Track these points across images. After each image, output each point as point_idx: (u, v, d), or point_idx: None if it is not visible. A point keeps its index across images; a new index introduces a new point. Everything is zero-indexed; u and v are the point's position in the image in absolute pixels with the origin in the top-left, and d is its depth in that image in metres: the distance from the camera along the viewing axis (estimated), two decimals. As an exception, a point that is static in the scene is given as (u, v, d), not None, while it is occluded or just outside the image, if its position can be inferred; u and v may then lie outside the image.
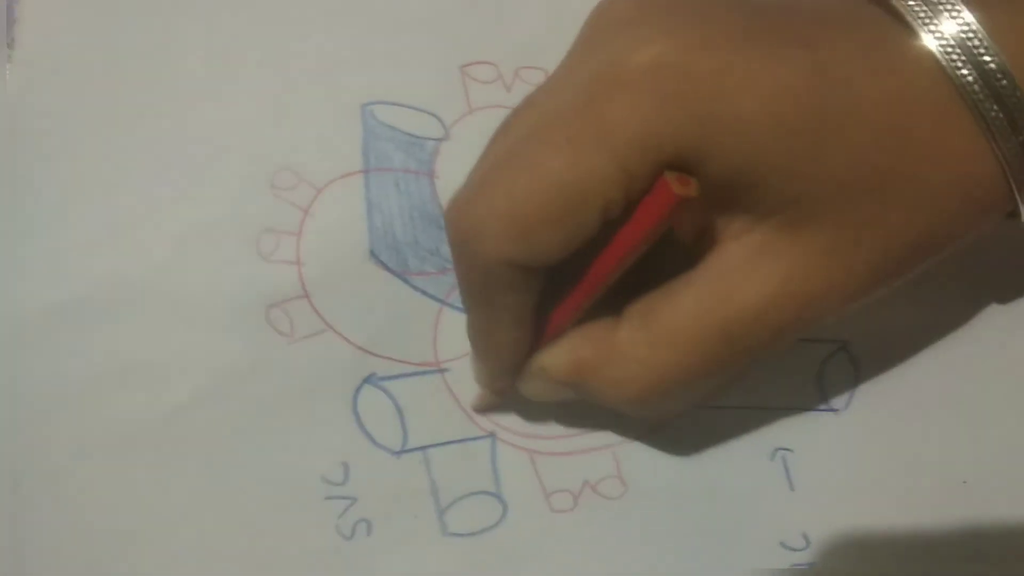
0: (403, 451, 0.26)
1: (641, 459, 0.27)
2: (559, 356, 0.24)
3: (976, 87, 0.20)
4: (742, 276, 0.21)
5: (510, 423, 0.27)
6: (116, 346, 0.26)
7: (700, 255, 0.22)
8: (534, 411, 0.27)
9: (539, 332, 0.24)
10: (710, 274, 0.22)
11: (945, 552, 0.26)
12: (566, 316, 0.23)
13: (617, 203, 0.20)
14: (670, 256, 0.22)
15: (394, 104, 0.27)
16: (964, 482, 0.26)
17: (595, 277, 0.22)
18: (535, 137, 0.20)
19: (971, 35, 0.20)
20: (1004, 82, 0.20)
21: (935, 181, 0.21)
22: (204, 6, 0.28)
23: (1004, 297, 0.27)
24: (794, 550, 0.26)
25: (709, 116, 0.19)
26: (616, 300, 0.23)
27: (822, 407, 0.27)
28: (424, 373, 0.27)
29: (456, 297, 0.27)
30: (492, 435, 0.27)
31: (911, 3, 0.20)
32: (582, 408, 0.26)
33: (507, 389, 0.25)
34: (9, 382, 0.26)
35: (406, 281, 0.27)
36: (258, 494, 0.26)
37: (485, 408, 0.27)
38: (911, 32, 0.20)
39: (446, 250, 0.27)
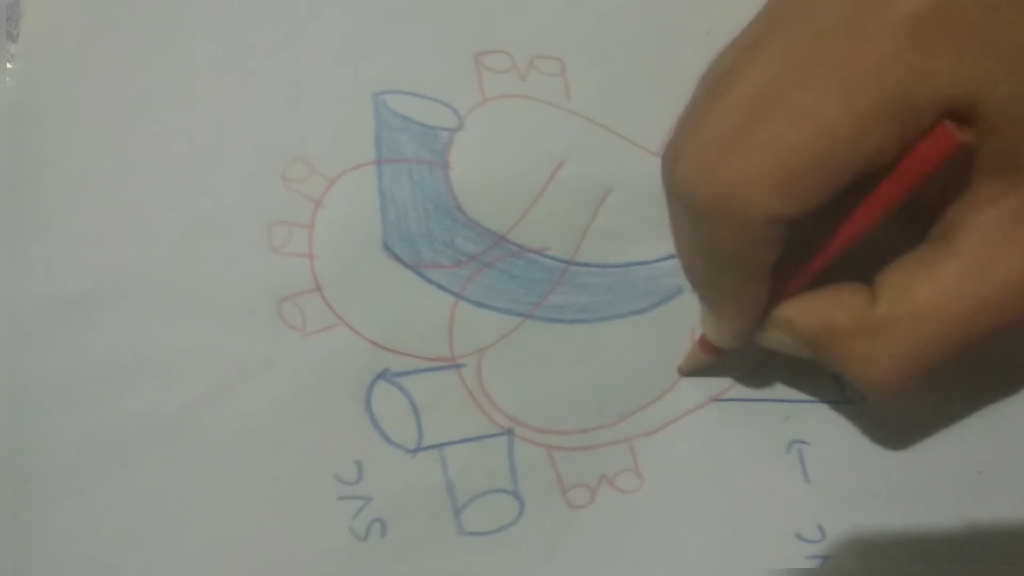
0: (418, 449, 0.26)
1: (658, 452, 0.27)
2: (809, 313, 0.22)
3: None
4: (1002, 246, 0.20)
5: (527, 418, 0.26)
6: (124, 341, 0.25)
7: (945, 223, 0.21)
8: (551, 405, 0.26)
9: (782, 280, 0.23)
10: (969, 245, 0.21)
11: (960, 542, 0.26)
12: (818, 267, 0.22)
13: (891, 149, 0.19)
14: (901, 221, 0.22)
15: (407, 93, 0.27)
16: (979, 472, 0.27)
17: (855, 227, 0.21)
18: (797, 82, 0.19)
19: None
20: None
21: None
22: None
23: None
24: (810, 542, 0.26)
25: (990, 49, 0.19)
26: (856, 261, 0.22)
27: (838, 399, 0.27)
28: (439, 368, 0.26)
29: (471, 290, 0.26)
30: (509, 431, 0.26)
31: None
32: (598, 400, 0.26)
33: (744, 345, 0.24)
34: (17, 378, 0.25)
35: (420, 274, 0.26)
36: (269, 493, 0.25)
37: (695, 370, 0.26)
38: None
39: (461, 243, 0.26)
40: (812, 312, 0.22)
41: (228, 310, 0.26)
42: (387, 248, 0.26)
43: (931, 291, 0.21)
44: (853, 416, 0.27)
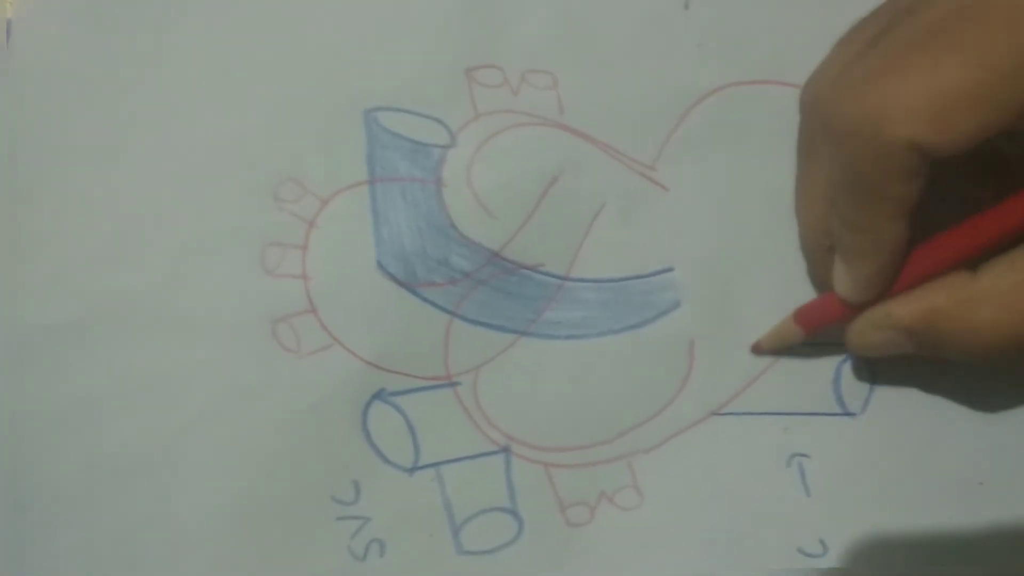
0: (415, 468, 0.26)
1: (657, 468, 0.26)
2: (909, 302, 0.23)
3: None
4: None
5: (524, 436, 0.26)
6: (120, 365, 0.26)
7: None
8: (548, 423, 0.26)
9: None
10: None
11: (963, 554, 0.26)
12: (939, 260, 0.23)
13: None
14: None
15: (398, 110, 0.27)
16: (981, 483, 0.26)
17: (999, 219, 0.21)
18: (960, 20, 0.20)
19: None
20: None
21: None
22: (201, 15, 0.27)
23: None
24: (812, 556, 0.26)
25: None
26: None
27: (838, 412, 0.27)
28: (435, 387, 0.26)
29: (466, 307, 0.26)
30: (506, 449, 0.26)
31: None
32: (596, 417, 0.26)
33: (867, 300, 0.24)
34: (13, 403, 0.25)
35: (415, 293, 0.26)
36: (267, 515, 0.25)
37: (776, 347, 0.26)
38: None
39: (455, 260, 0.26)
40: (913, 301, 0.23)
41: (223, 333, 0.26)
42: (381, 267, 0.26)
43: None
44: (854, 429, 0.27)
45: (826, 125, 0.21)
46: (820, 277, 0.25)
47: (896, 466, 0.26)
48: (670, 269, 0.27)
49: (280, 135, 0.26)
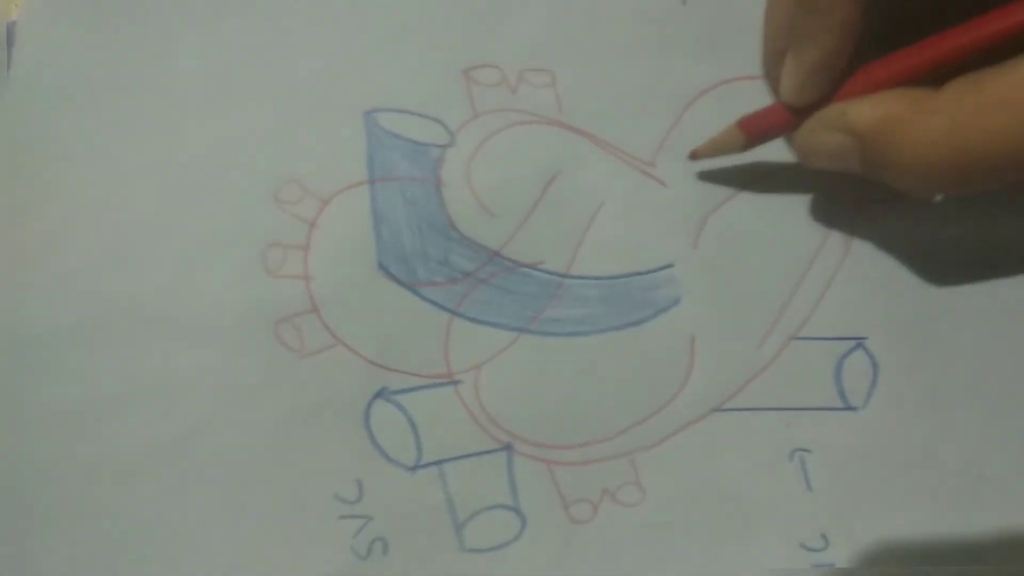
0: (418, 466, 0.26)
1: (659, 464, 0.26)
2: (867, 105, 0.22)
3: None
4: None
5: (526, 433, 0.26)
6: (124, 368, 0.26)
7: None
8: (550, 420, 0.26)
9: (854, 83, 0.23)
10: None
11: (965, 548, 0.26)
12: (894, 72, 0.22)
13: None
14: None
15: (398, 111, 0.27)
16: (983, 477, 0.26)
17: (958, 37, 0.21)
18: None
19: None
20: None
21: None
22: (202, 19, 0.27)
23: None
24: (813, 551, 0.26)
25: None
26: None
27: (840, 406, 0.27)
28: (437, 386, 0.26)
29: (467, 306, 0.26)
30: (508, 447, 0.26)
31: None
32: (598, 414, 0.26)
33: (809, 102, 0.23)
34: (18, 407, 0.26)
35: (415, 292, 0.26)
36: (271, 515, 0.26)
37: (714, 152, 0.26)
38: None
39: (455, 260, 0.27)
40: (870, 104, 0.22)
41: (226, 333, 0.26)
42: (382, 267, 0.26)
43: (1004, 84, 0.20)
44: (856, 423, 0.27)
45: None
46: (775, 86, 0.25)
47: (898, 460, 0.26)
48: (670, 265, 0.27)
49: (281, 137, 0.27)
